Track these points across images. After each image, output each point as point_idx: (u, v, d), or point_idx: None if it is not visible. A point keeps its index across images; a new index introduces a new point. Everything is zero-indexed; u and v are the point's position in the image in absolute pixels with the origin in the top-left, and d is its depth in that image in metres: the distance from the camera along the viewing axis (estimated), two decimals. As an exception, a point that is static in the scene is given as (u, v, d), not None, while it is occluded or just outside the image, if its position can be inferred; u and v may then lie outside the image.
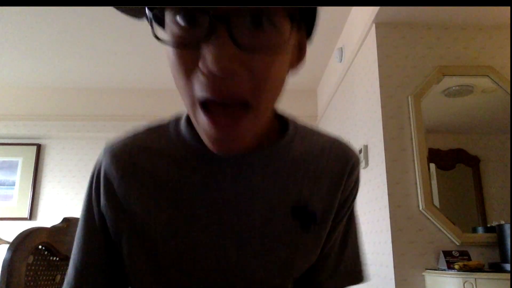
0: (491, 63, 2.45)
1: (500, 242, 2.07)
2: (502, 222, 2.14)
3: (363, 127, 2.71)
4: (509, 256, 1.97)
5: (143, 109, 4.22)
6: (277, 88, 0.43)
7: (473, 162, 2.41)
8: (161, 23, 0.44)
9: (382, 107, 2.38)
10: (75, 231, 1.19)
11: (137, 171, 0.51)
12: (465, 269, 1.90)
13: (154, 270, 0.50)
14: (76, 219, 1.16)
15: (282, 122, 0.55)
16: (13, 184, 4.09)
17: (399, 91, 2.41)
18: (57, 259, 1.08)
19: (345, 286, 0.57)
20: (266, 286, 0.51)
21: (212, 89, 0.38)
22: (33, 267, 0.97)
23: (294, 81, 4.04)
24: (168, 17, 0.41)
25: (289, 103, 4.17)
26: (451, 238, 2.17)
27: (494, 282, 1.82)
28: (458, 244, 2.15)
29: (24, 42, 3.34)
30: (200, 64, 0.39)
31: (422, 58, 2.46)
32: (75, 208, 4.05)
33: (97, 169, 0.57)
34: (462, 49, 2.49)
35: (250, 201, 0.50)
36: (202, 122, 0.41)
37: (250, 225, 0.50)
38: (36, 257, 0.98)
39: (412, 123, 2.33)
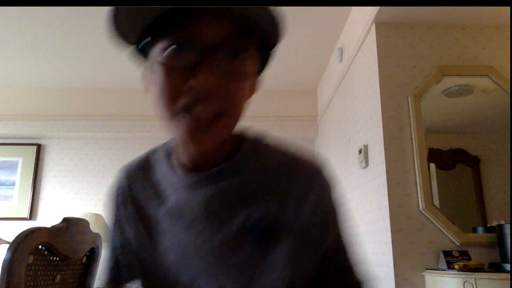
0: (491, 63, 2.45)
1: (500, 242, 2.07)
2: (502, 222, 2.14)
3: (363, 127, 2.71)
4: (509, 256, 1.97)
5: (143, 109, 4.22)
6: (240, 109, 0.52)
7: (473, 162, 2.41)
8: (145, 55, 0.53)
9: (382, 107, 2.38)
10: (74, 231, 1.19)
11: (132, 195, 0.64)
12: (465, 269, 1.90)
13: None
14: (76, 219, 1.16)
15: (243, 141, 0.60)
16: (13, 184, 4.09)
17: (399, 91, 2.41)
18: (57, 259, 1.07)
19: None
20: None
21: (198, 100, 0.48)
22: (33, 267, 0.97)
23: (294, 81, 4.05)
24: (160, 46, 0.49)
25: (289, 103, 4.18)
26: (451, 238, 2.17)
27: (494, 282, 1.82)
28: (458, 244, 2.15)
29: (25, 42, 3.34)
30: (188, 85, 0.47)
31: (422, 58, 2.46)
32: (75, 208, 4.05)
33: (115, 188, 0.70)
34: (462, 49, 2.49)
35: (209, 216, 0.55)
36: (182, 125, 0.49)
37: (209, 237, 0.55)
38: (36, 257, 0.98)
39: (412, 123, 2.33)
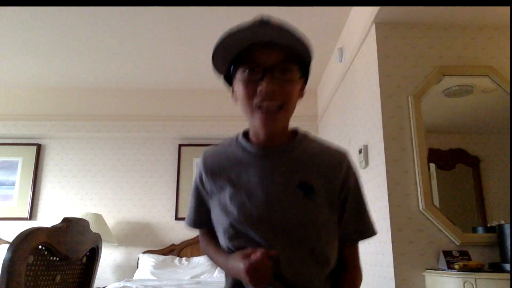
0: (491, 63, 2.45)
1: (500, 242, 2.07)
2: (502, 222, 2.14)
3: (363, 127, 2.71)
4: (509, 256, 1.97)
5: (143, 109, 4.22)
6: (293, 104, 0.85)
7: (473, 162, 2.41)
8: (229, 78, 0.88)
9: (382, 107, 2.38)
10: (75, 231, 1.19)
11: (212, 168, 0.94)
12: (465, 269, 1.90)
13: (221, 221, 0.89)
14: (76, 219, 1.16)
15: (297, 133, 0.93)
16: (13, 184, 4.09)
17: (399, 91, 2.41)
18: (57, 259, 1.07)
19: (365, 238, 0.92)
20: (291, 229, 0.83)
21: (265, 98, 0.80)
22: (33, 267, 0.97)
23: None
24: (240, 70, 0.82)
25: (289, 103, 4.18)
26: (451, 238, 2.17)
27: (494, 282, 1.82)
28: (458, 244, 2.15)
29: (24, 42, 3.34)
30: (258, 90, 0.80)
31: (422, 58, 2.46)
32: (75, 208, 4.05)
33: (198, 165, 0.99)
34: (462, 49, 2.49)
35: (273, 176, 0.86)
36: (257, 117, 0.82)
37: (275, 190, 0.85)
38: (36, 257, 0.98)
39: (412, 123, 2.33)
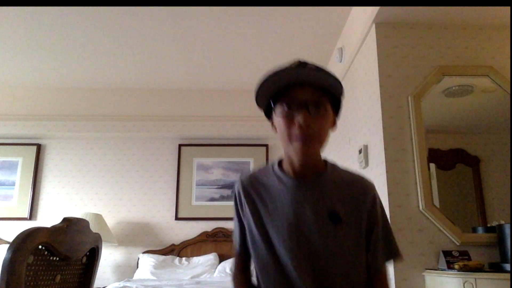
0: (491, 63, 2.45)
1: (500, 242, 2.07)
2: (502, 222, 2.14)
3: (363, 127, 2.71)
4: (509, 256, 1.97)
5: (143, 109, 4.22)
6: (326, 135, 0.94)
7: (473, 162, 2.41)
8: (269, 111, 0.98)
9: (382, 107, 2.38)
10: (74, 231, 1.19)
11: (249, 193, 1.03)
12: (465, 269, 1.90)
13: (255, 245, 0.98)
14: (76, 219, 1.16)
15: (326, 164, 1.01)
16: (13, 184, 4.09)
17: (399, 91, 2.41)
18: (57, 259, 1.07)
19: (392, 261, 0.99)
20: (315, 256, 0.92)
21: (301, 129, 0.89)
22: (33, 267, 0.97)
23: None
24: (280, 105, 0.93)
25: (289, 103, 4.18)
26: (451, 238, 2.17)
27: (494, 282, 1.82)
28: (458, 244, 2.15)
29: (24, 42, 3.34)
30: (295, 122, 0.89)
31: (422, 58, 2.46)
32: (75, 208, 4.05)
33: (235, 188, 1.08)
34: (462, 49, 2.49)
35: (305, 206, 0.94)
36: (294, 145, 0.90)
37: (305, 218, 0.94)
38: (36, 257, 0.98)
39: (412, 123, 2.33)
